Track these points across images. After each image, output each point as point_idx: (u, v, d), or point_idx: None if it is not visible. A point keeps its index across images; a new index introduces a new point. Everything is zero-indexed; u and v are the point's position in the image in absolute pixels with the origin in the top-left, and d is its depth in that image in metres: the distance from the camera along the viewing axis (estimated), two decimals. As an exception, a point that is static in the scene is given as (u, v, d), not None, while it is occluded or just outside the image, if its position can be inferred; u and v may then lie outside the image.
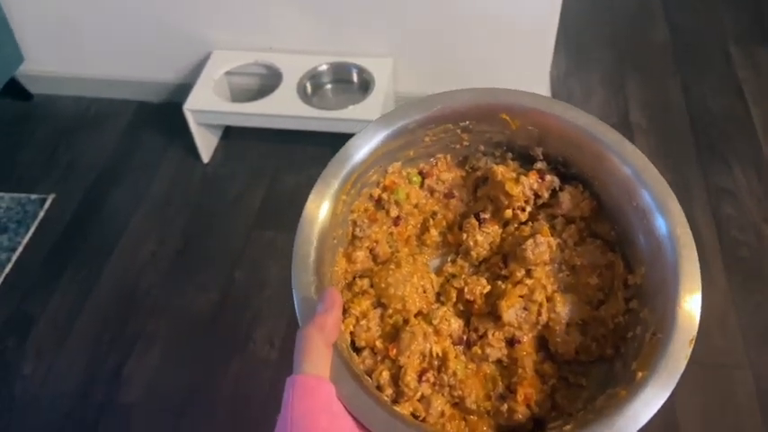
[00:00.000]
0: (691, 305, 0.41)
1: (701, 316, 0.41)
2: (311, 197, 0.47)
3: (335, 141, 0.52)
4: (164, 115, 1.82)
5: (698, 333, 0.40)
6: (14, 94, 1.89)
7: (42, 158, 1.75)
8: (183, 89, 1.68)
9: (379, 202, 0.53)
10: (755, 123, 1.69)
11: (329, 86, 1.67)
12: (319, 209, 0.47)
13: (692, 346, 0.40)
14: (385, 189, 0.53)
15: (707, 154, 1.64)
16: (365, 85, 1.60)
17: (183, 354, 1.34)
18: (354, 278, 0.50)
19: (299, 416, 0.36)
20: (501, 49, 1.58)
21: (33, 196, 1.64)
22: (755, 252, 1.42)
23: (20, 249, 1.53)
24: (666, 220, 0.44)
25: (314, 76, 1.63)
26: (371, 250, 0.51)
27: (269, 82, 1.65)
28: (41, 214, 1.60)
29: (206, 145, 1.68)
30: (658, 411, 0.38)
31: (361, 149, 0.49)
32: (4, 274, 1.48)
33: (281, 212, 1.56)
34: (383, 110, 1.52)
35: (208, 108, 1.57)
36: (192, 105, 1.57)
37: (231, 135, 1.76)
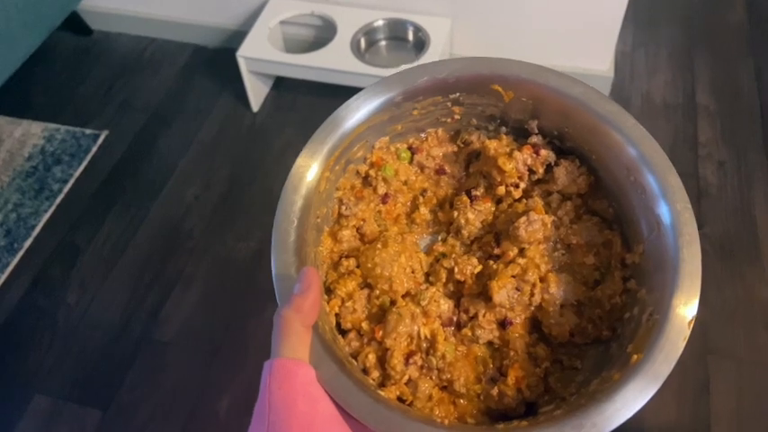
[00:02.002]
0: (690, 284, 0.39)
1: (698, 308, 0.39)
2: (290, 177, 0.45)
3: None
4: (218, 61, 1.83)
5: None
6: (75, 29, 1.92)
7: (98, 95, 1.79)
8: (239, 36, 1.68)
9: (366, 179, 0.51)
10: (830, 115, 1.59)
11: (383, 43, 1.64)
12: (300, 188, 0.45)
13: (692, 327, 0.38)
14: (372, 165, 0.50)
15: (775, 144, 1.55)
16: (420, 45, 1.56)
17: (219, 299, 1.37)
18: (340, 258, 0.48)
19: (276, 400, 0.35)
20: (565, 19, 1.51)
21: (88, 131, 1.68)
22: (814, 250, 1.35)
23: (71, 182, 1.57)
24: (667, 196, 0.42)
25: (369, 32, 1.60)
26: (358, 229, 0.50)
27: (324, 34, 1.63)
28: (94, 149, 1.64)
29: (256, 94, 1.68)
30: (658, 401, 0.36)
31: (344, 121, 0.47)
32: (55, 205, 1.53)
33: (325, 168, 1.55)
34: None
35: (260, 56, 1.56)
36: (245, 52, 1.56)
37: (282, 85, 1.75)
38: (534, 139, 0.50)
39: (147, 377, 1.26)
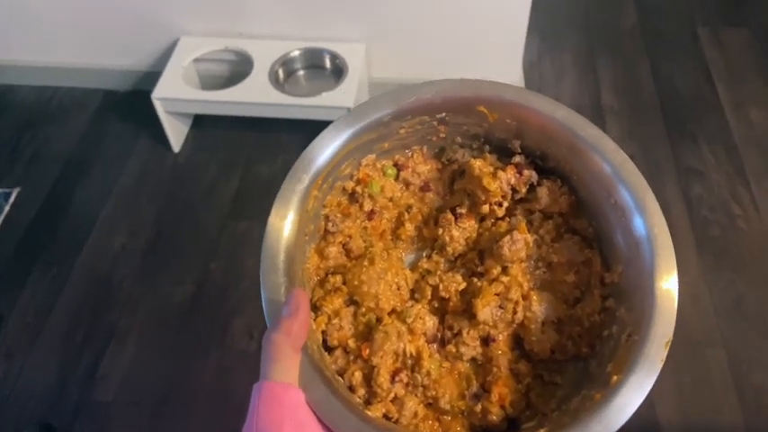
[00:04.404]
0: (667, 307, 0.41)
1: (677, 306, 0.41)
2: (279, 195, 0.45)
3: (309, 128, 0.50)
4: (131, 104, 1.77)
5: (672, 338, 0.40)
6: (-29, 85, 1.82)
7: (6, 151, 1.70)
8: (151, 77, 1.63)
9: (352, 196, 0.51)
10: (723, 104, 1.72)
11: (302, 72, 1.65)
12: (289, 207, 0.45)
13: (668, 348, 0.40)
14: (359, 182, 0.51)
15: (676, 135, 1.66)
16: (338, 72, 1.57)
17: (159, 348, 1.32)
18: (327, 275, 0.49)
19: (264, 423, 0.35)
20: (474, 33, 1.57)
21: (-3, 190, 1.59)
22: (726, 231, 1.45)
23: (-15, 246, 1.48)
24: (644, 218, 0.44)
25: (286, 62, 1.60)
26: (344, 245, 0.50)
27: (240, 69, 1.62)
28: (7, 209, 1.55)
29: (176, 134, 1.65)
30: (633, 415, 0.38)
31: (332, 143, 0.47)
32: (-31, 272, 1.43)
33: (255, 201, 1.54)
34: (357, 96, 1.50)
35: (177, 96, 1.54)
36: (160, 94, 1.53)
37: (202, 123, 1.72)
38: (517, 158, 0.51)
39: (92, 442, 1.20)
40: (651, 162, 1.59)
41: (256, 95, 1.50)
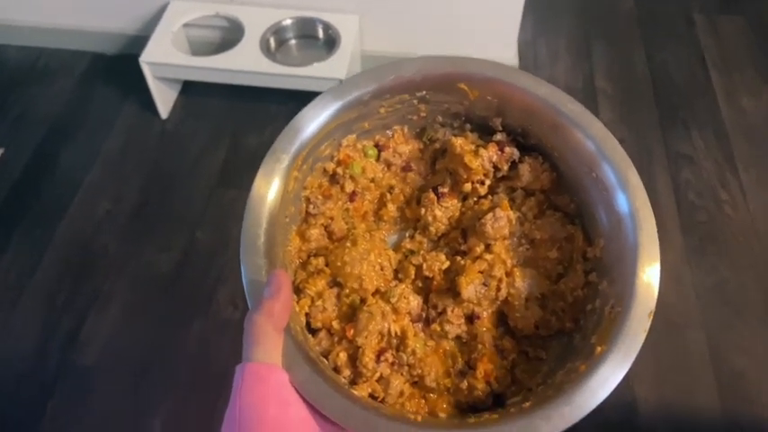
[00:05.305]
0: (649, 278, 0.41)
1: (659, 286, 0.41)
2: (259, 175, 0.44)
3: (299, 99, 0.49)
4: (119, 68, 1.74)
5: (655, 308, 0.40)
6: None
7: (-11, 111, 1.66)
8: (140, 41, 1.60)
9: (333, 177, 0.51)
10: (716, 90, 1.72)
11: (293, 42, 1.62)
12: (269, 187, 0.44)
13: (651, 319, 0.40)
14: (339, 163, 0.51)
15: (668, 120, 1.66)
16: (331, 43, 1.55)
17: (142, 315, 1.31)
18: (309, 257, 0.48)
19: (247, 404, 0.35)
20: (469, 10, 1.55)
21: (-20, 150, 1.56)
22: (712, 216, 1.46)
23: (-34, 206, 1.45)
24: (626, 192, 0.44)
25: (278, 31, 1.58)
26: (326, 227, 0.50)
27: (230, 36, 1.59)
28: (-11, 169, 1.52)
29: (164, 100, 1.62)
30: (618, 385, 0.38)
31: (312, 122, 0.47)
32: (-50, 232, 1.41)
33: (243, 171, 1.52)
34: (349, 68, 1.48)
35: (165, 61, 1.51)
36: (148, 58, 1.50)
37: (191, 90, 1.70)
38: (498, 136, 0.50)
39: (71, 404, 1.19)
40: (642, 146, 1.59)
41: (246, 63, 1.48)
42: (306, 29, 1.61)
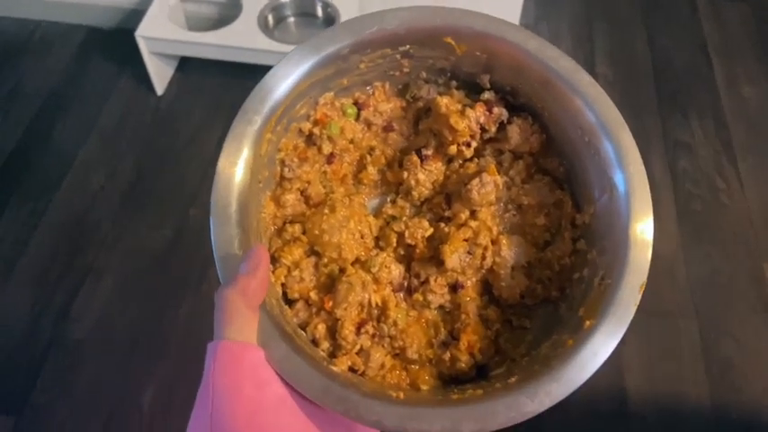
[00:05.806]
0: (641, 249, 0.39)
1: (651, 261, 0.39)
2: (229, 138, 0.41)
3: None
4: (116, 42, 1.72)
5: (646, 281, 0.38)
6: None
7: (-17, 83, 1.65)
8: (136, 15, 1.58)
9: (309, 138, 0.48)
10: (716, 78, 1.71)
11: (292, 20, 1.60)
12: (240, 151, 0.41)
13: (642, 292, 0.38)
14: (316, 123, 0.47)
15: (667, 106, 1.64)
16: (330, 20, 1.54)
17: (134, 291, 1.31)
18: (284, 224, 0.46)
19: (221, 384, 0.33)
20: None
21: (-26, 122, 1.55)
22: (708, 205, 1.46)
23: (-40, 178, 1.45)
24: (619, 156, 0.41)
25: (276, 8, 1.56)
26: (303, 192, 0.47)
27: (228, 12, 1.57)
28: (-17, 142, 1.51)
29: (160, 76, 1.60)
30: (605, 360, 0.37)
31: (285, 80, 0.43)
32: (-58, 204, 1.40)
33: (238, 149, 1.51)
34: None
35: (162, 36, 1.49)
36: (144, 32, 1.48)
37: (187, 67, 1.68)
38: (487, 95, 0.47)
39: (62, 377, 1.19)
40: (640, 133, 1.58)
41: (244, 40, 1.46)
42: (305, 6, 1.59)
